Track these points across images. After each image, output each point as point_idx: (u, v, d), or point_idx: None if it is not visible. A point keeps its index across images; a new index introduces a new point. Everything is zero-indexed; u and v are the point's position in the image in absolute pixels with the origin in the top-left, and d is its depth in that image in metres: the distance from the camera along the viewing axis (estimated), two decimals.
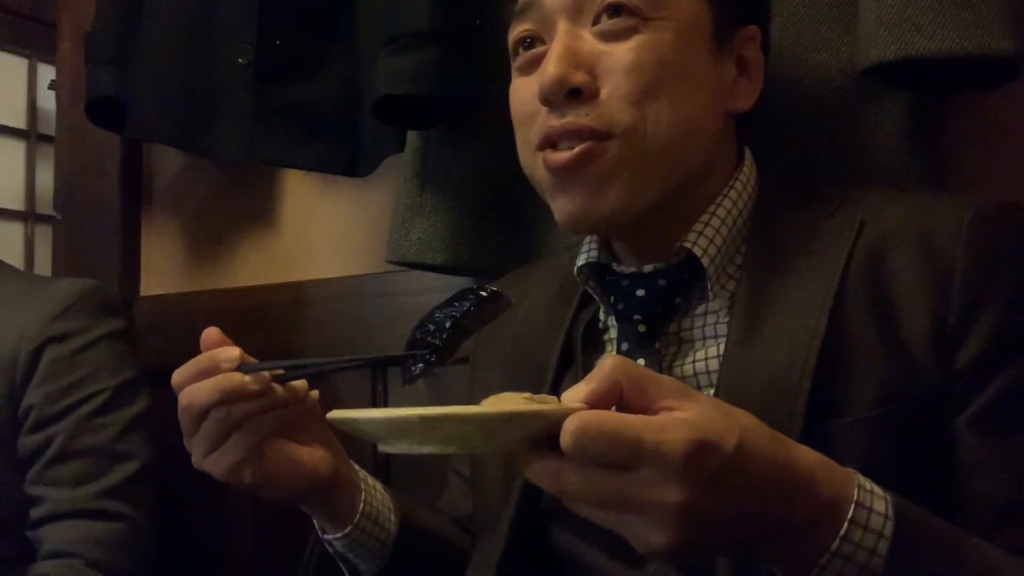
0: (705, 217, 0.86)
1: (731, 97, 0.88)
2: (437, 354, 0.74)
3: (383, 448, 0.63)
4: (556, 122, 0.83)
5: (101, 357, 1.35)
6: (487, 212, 1.26)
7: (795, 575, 0.65)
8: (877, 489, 0.65)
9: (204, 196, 1.69)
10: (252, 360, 0.81)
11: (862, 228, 0.83)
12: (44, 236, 2.36)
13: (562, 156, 0.83)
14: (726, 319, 0.84)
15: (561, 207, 0.85)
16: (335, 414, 0.64)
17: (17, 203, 2.45)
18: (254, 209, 1.63)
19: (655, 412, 0.60)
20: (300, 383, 0.83)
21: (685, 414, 0.59)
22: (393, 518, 0.95)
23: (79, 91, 1.65)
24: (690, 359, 0.85)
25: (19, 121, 2.47)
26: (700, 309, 0.86)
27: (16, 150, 2.46)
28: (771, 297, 0.82)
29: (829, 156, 1.07)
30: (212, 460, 0.81)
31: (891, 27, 0.96)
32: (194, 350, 0.83)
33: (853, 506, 0.63)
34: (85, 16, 1.64)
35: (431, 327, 0.75)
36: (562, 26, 0.84)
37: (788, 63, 1.08)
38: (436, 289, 1.36)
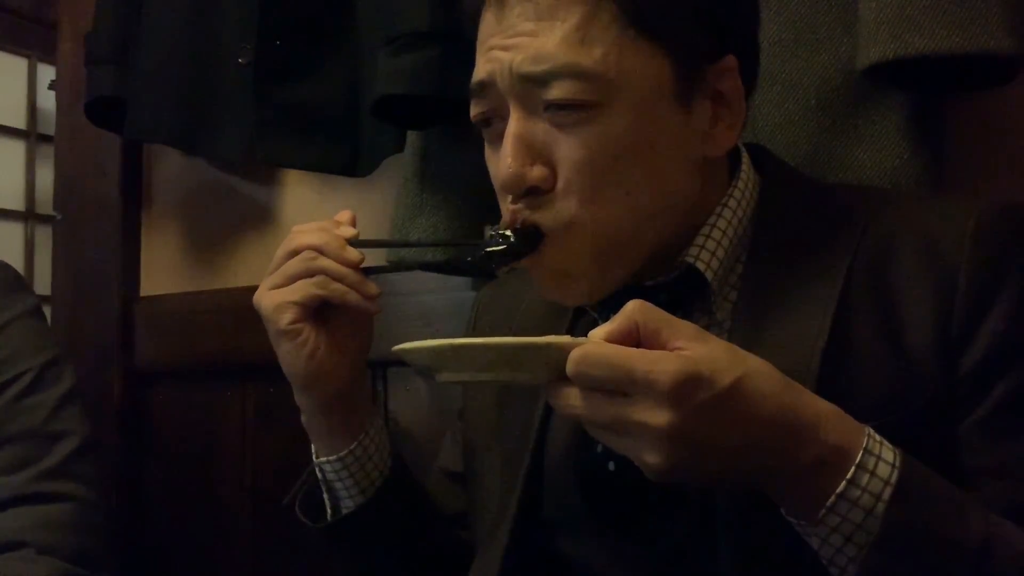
0: (706, 230, 0.85)
1: (708, 142, 0.83)
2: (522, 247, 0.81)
3: (438, 378, 0.71)
4: (516, 214, 0.81)
5: (19, 338, 1.29)
6: (487, 212, 1.26)
7: (802, 515, 0.68)
8: (887, 442, 0.68)
9: (204, 196, 1.69)
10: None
11: (864, 233, 0.82)
12: (44, 236, 2.36)
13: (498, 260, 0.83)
14: (728, 330, 0.83)
15: (537, 288, 0.86)
16: (398, 347, 0.72)
17: (17, 203, 2.45)
18: (254, 209, 1.63)
19: (670, 352, 0.65)
20: (377, 287, 0.89)
21: (688, 352, 0.64)
22: (389, 461, 0.96)
23: (79, 91, 1.65)
24: None
25: (19, 121, 2.47)
26: (703, 321, 0.84)
27: (16, 150, 2.46)
28: (773, 306, 0.81)
29: (829, 156, 1.07)
30: (271, 293, 0.88)
31: (890, 26, 0.96)
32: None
33: (861, 452, 0.66)
34: (85, 16, 1.64)
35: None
36: (514, 114, 0.81)
37: (788, 63, 1.08)
38: (436, 289, 1.36)
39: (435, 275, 1.32)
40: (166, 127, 1.49)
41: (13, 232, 2.42)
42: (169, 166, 1.72)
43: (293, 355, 0.89)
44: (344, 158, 1.42)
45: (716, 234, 0.85)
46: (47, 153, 2.33)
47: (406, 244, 0.87)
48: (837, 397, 0.69)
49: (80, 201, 1.78)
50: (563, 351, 0.65)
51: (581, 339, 0.67)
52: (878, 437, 0.68)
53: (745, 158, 0.90)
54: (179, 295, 1.67)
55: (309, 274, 0.87)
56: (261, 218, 1.63)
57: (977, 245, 0.78)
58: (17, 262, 2.08)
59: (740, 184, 0.87)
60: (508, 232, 0.81)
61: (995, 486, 0.75)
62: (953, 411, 0.77)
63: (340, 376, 0.91)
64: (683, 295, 0.85)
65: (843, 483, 0.66)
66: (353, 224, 0.91)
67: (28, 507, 1.21)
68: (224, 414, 1.57)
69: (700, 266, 0.83)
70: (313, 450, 0.95)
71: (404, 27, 1.20)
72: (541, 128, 0.80)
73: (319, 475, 0.95)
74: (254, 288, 0.89)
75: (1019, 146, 1.11)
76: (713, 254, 0.84)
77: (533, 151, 0.80)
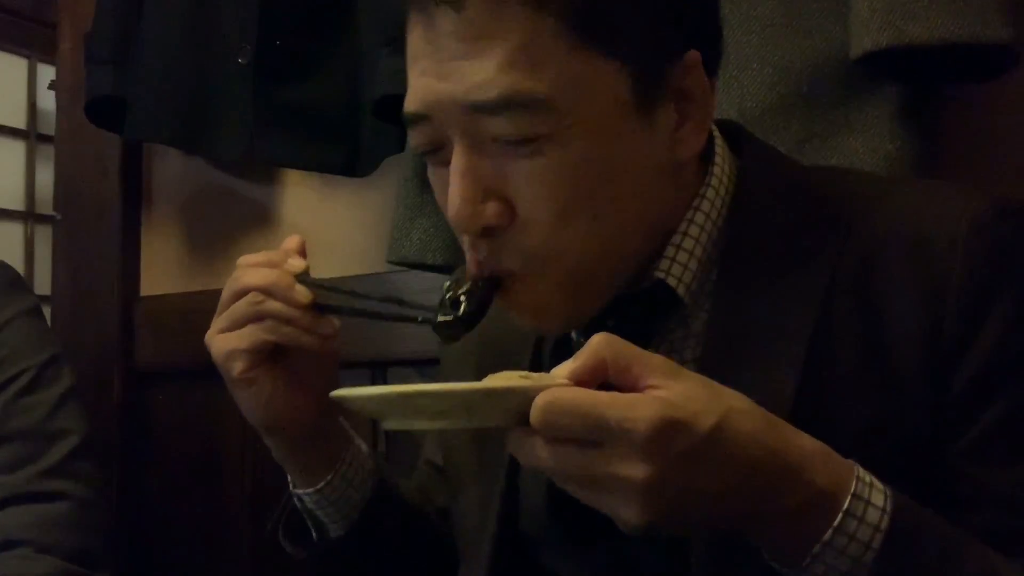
0: (677, 239, 0.77)
1: (677, 146, 0.75)
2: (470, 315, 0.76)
3: (383, 426, 0.66)
4: (481, 266, 0.75)
5: (18, 337, 1.29)
6: None
7: (788, 562, 0.64)
8: (876, 482, 0.64)
9: (204, 196, 1.69)
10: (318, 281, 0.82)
11: (848, 236, 0.75)
12: (44, 236, 2.35)
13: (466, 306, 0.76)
14: (704, 345, 0.77)
15: (513, 319, 0.79)
16: (335, 393, 0.66)
17: (17, 203, 2.44)
18: (254, 209, 1.63)
19: (641, 390, 0.60)
20: (334, 324, 0.82)
21: (663, 392, 0.59)
22: (371, 482, 0.91)
23: (79, 91, 1.65)
24: None
25: (19, 121, 2.46)
26: (679, 333, 0.79)
27: (16, 150, 2.46)
28: (747, 321, 0.75)
29: (821, 142, 1.05)
30: (220, 338, 0.81)
31: (884, 14, 0.95)
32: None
33: (850, 497, 0.62)
34: (85, 16, 1.64)
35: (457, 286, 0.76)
36: (459, 148, 0.72)
37: (780, 46, 1.06)
38: (436, 289, 1.35)
39: (435, 275, 1.32)
40: (166, 127, 1.49)
41: (13, 232, 2.42)
42: (169, 166, 1.72)
43: (250, 403, 0.83)
44: (344, 158, 1.42)
45: (688, 243, 0.78)
46: (47, 153, 2.32)
47: (354, 293, 0.82)
48: (817, 429, 0.64)
49: (80, 201, 1.78)
50: (526, 397, 0.59)
51: (545, 380, 0.61)
52: (867, 478, 0.63)
53: (719, 142, 0.81)
54: (179, 295, 1.67)
55: (257, 318, 0.80)
56: (261, 218, 1.63)
57: (970, 251, 0.71)
58: (17, 262, 2.07)
59: (714, 181, 0.79)
60: (464, 291, 0.75)
61: (990, 515, 0.70)
62: (944, 434, 0.71)
63: (305, 417, 0.84)
64: (658, 305, 0.79)
65: (830, 531, 0.61)
66: (303, 252, 0.83)
67: (27, 506, 1.21)
68: (224, 414, 1.56)
69: (671, 281, 0.77)
70: (289, 481, 0.91)
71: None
72: (491, 160, 0.72)
73: (298, 504, 0.91)
74: None
75: (1016, 137, 1.10)
76: (685, 266, 0.77)
77: (484, 187, 0.72)
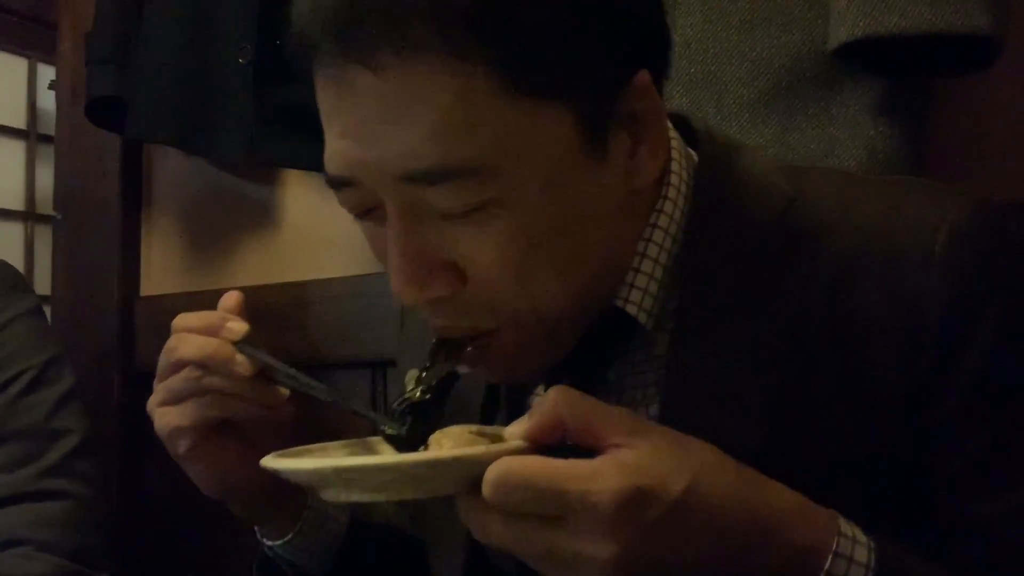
0: (635, 261, 0.71)
1: (632, 176, 0.69)
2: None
3: (321, 496, 0.60)
4: (437, 323, 0.69)
5: (20, 336, 1.30)
6: None
7: None
8: (860, 536, 0.60)
9: (204, 196, 1.68)
10: (259, 345, 0.76)
11: (817, 253, 0.69)
12: (44, 236, 2.36)
13: (443, 370, 0.70)
14: (666, 374, 0.71)
15: (485, 377, 0.75)
16: (265, 461, 0.62)
17: (17, 203, 2.44)
18: (254, 209, 1.63)
19: (604, 449, 0.55)
20: (282, 392, 0.75)
21: (628, 455, 0.54)
22: (343, 516, 0.87)
23: (79, 91, 1.65)
24: (638, 413, 0.73)
25: (19, 121, 2.46)
26: (640, 355, 0.73)
27: (16, 150, 2.46)
28: (712, 350, 0.69)
29: (800, 137, 1.04)
30: (160, 412, 0.75)
31: (861, 4, 0.94)
32: None
33: (831, 557, 0.58)
34: (85, 16, 1.64)
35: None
36: (393, 218, 0.64)
37: (759, 41, 1.05)
38: None
39: None
40: (166, 127, 1.49)
41: (13, 232, 2.42)
42: (169, 166, 1.72)
43: (203, 479, 0.78)
44: None
45: (646, 266, 0.72)
46: (47, 153, 2.32)
47: (294, 376, 0.74)
48: (792, 469, 0.60)
49: (80, 201, 1.78)
50: (476, 465, 0.54)
51: (497, 446, 0.56)
52: (850, 532, 0.59)
53: (675, 144, 0.75)
54: (179, 295, 1.67)
55: (199, 393, 0.73)
56: (261, 218, 1.63)
57: (948, 266, 0.65)
58: (17, 262, 2.07)
59: (671, 192, 0.73)
60: (420, 391, 0.68)
61: (978, 547, 0.65)
62: (927, 464, 0.65)
63: (263, 481, 0.73)
64: (617, 330, 0.73)
65: None
66: (240, 311, 0.76)
67: (28, 504, 1.22)
68: None
69: (631, 309, 0.71)
70: (257, 531, 0.86)
71: None
72: (432, 228, 0.64)
73: (270, 553, 0.86)
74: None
75: (1002, 130, 1.10)
76: (644, 291, 0.71)
77: (427, 258, 0.65)
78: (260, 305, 1.55)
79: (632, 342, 0.74)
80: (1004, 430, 0.65)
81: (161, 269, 1.73)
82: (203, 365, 0.73)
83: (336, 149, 0.65)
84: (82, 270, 1.76)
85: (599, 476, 0.53)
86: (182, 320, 0.76)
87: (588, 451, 0.56)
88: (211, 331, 0.74)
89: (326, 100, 0.66)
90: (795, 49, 1.05)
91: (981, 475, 0.65)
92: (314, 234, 1.57)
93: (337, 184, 0.67)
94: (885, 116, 1.02)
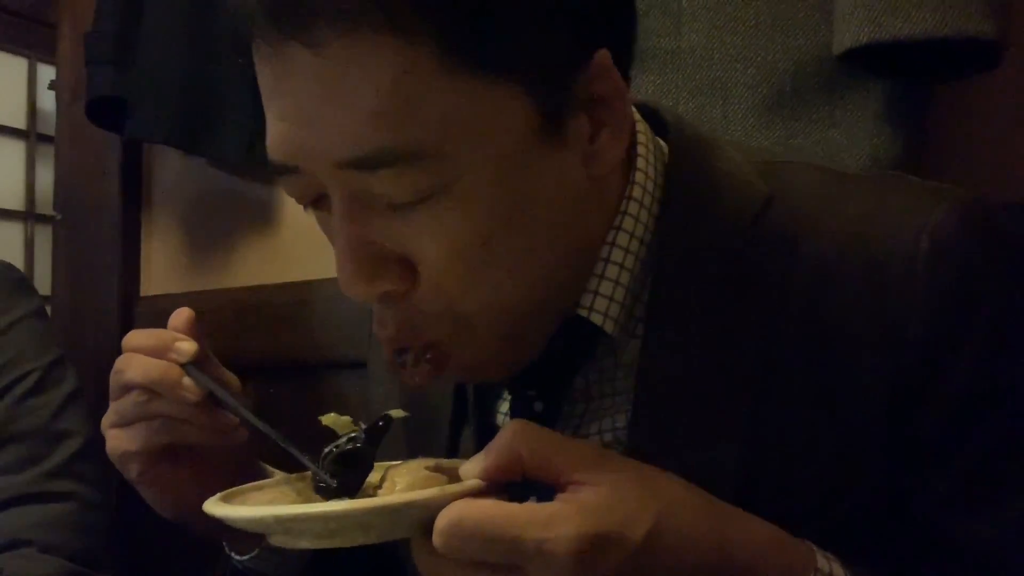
0: (599, 267, 0.67)
1: (592, 162, 0.64)
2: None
3: (271, 541, 0.57)
4: (382, 332, 0.66)
5: (24, 338, 1.31)
6: None
7: None
8: (837, 569, 0.57)
9: (204, 196, 1.68)
10: (214, 362, 0.73)
11: (795, 258, 0.65)
12: (44, 236, 2.35)
13: (414, 378, 0.66)
14: (634, 391, 0.68)
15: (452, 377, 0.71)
16: (207, 505, 0.59)
17: (17, 203, 2.44)
18: (254, 209, 1.63)
19: (563, 487, 0.52)
20: (231, 418, 0.71)
21: (588, 495, 0.51)
22: None
23: (79, 91, 1.65)
24: (607, 422, 0.70)
25: (19, 121, 2.46)
26: (608, 361, 0.70)
27: (16, 150, 2.46)
28: (683, 366, 0.65)
29: (807, 139, 1.05)
30: (112, 435, 0.72)
31: (866, 10, 0.95)
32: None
33: None
34: (85, 16, 1.64)
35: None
36: (338, 209, 0.60)
37: (764, 47, 1.06)
38: None
39: None
40: (166, 127, 1.49)
41: (13, 232, 2.42)
42: (169, 166, 1.72)
43: (157, 503, 0.75)
44: None
45: (611, 271, 0.68)
46: (47, 153, 2.32)
47: (235, 405, 0.70)
48: (766, 496, 0.58)
49: (80, 201, 1.77)
50: (427, 509, 0.51)
51: (450, 488, 0.53)
52: (827, 568, 0.57)
53: (642, 136, 0.70)
54: (179, 295, 1.67)
55: (147, 417, 0.70)
56: (261, 218, 1.63)
57: (932, 275, 0.61)
58: (17, 262, 2.07)
59: (636, 192, 0.69)
60: (348, 438, 0.62)
61: (966, 567, 0.62)
62: (911, 483, 0.63)
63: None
64: (582, 339, 0.69)
65: None
66: (191, 330, 0.71)
67: (31, 506, 1.22)
68: None
69: (596, 319, 0.67)
70: (225, 546, 0.83)
71: None
72: (379, 217, 0.60)
73: (239, 567, 0.82)
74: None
75: (1001, 133, 1.10)
76: (610, 298, 0.67)
77: (375, 251, 0.61)
78: (260, 305, 1.55)
79: (598, 349, 0.70)
80: (991, 447, 0.62)
81: (161, 269, 1.73)
82: (149, 389, 0.69)
83: (276, 133, 0.61)
84: (82, 270, 1.76)
85: (556, 522, 0.50)
86: (132, 338, 0.71)
87: (548, 487, 0.54)
88: (159, 351, 0.69)
89: (264, 80, 0.62)
90: (799, 54, 1.06)
91: (968, 492, 0.62)
92: (314, 234, 1.54)
93: (280, 171, 0.62)
94: (887, 120, 1.03)
